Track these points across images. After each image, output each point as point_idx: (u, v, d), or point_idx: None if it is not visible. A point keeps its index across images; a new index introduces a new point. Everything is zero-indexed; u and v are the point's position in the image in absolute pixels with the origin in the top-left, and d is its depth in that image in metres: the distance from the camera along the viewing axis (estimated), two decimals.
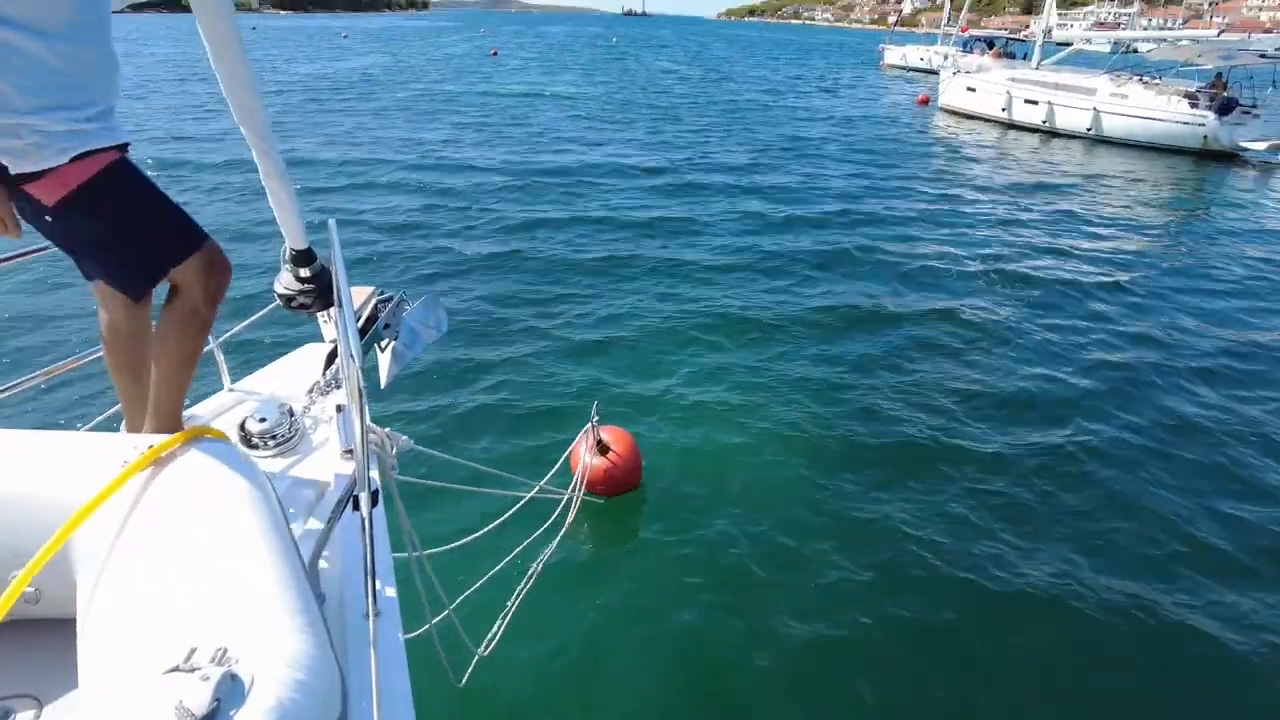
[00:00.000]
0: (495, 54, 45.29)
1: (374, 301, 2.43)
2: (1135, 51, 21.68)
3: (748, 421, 5.32)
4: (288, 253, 2.22)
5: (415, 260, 8.11)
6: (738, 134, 17.80)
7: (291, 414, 2.11)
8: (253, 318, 2.68)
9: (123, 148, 1.72)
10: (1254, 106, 18.94)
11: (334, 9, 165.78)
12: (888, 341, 6.76)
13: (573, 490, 3.84)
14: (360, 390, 1.44)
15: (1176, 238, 11.61)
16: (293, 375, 2.51)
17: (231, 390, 2.41)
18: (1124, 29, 32.92)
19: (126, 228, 1.72)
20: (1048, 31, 24.05)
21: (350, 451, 1.95)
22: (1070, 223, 11.79)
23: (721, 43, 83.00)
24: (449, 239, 8.78)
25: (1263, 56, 19.67)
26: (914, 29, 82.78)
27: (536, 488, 3.40)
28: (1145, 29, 34.55)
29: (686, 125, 18.88)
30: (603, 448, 4.32)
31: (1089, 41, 24.78)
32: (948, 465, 4.89)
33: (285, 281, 2.27)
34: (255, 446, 2.01)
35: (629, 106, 21.93)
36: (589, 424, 4.27)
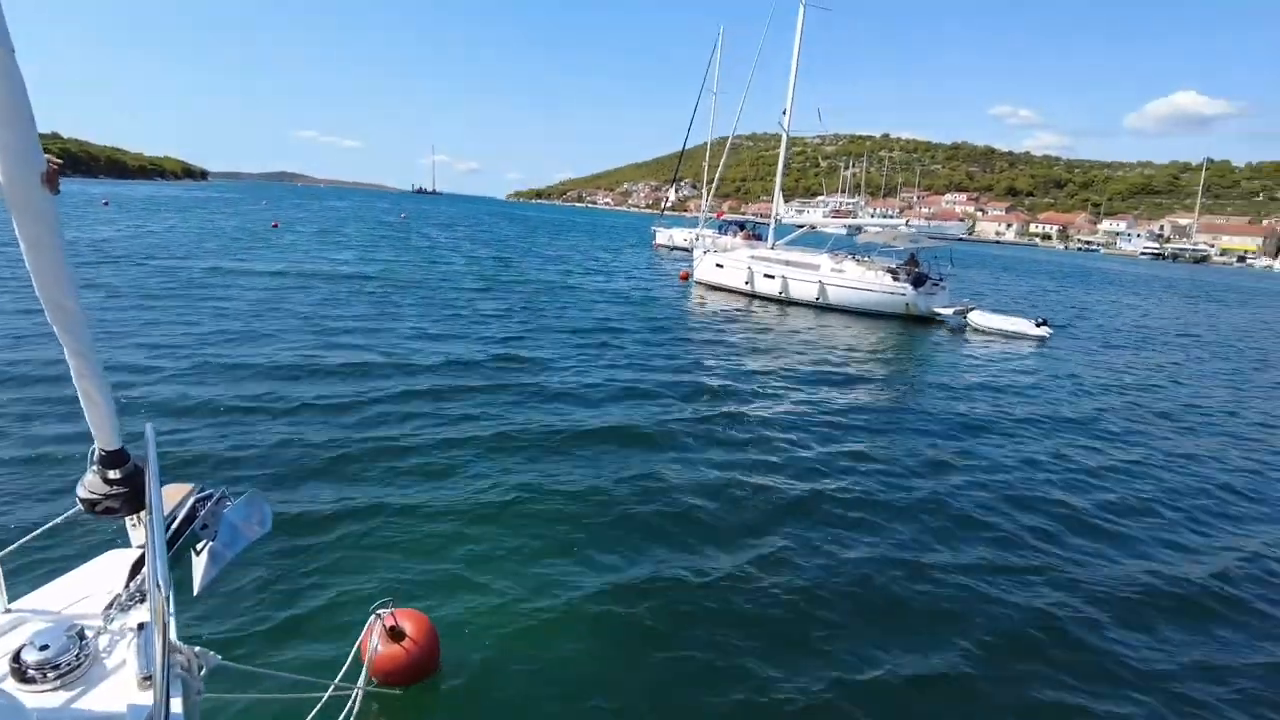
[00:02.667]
0: (276, 225, 44.44)
1: (191, 500, 2.26)
2: (862, 232, 25.49)
3: (549, 596, 5.18)
4: (95, 454, 2.07)
5: (175, 451, 7.21)
6: (517, 313, 18.11)
7: (82, 636, 1.84)
8: (44, 526, 2.37)
9: None
10: (940, 280, 22.87)
11: (95, 174, 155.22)
12: (668, 507, 6.88)
13: (357, 684, 3.48)
14: (166, 608, 1.31)
15: (897, 386, 13.43)
16: (90, 588, 2.21)
17: (9, 611, 2.09)
18: (854, 216, 38.96)
19: None
20: (779, 218, 27.75)
21: (150, 678, 1.71)
22: (808, 378, 13.19)
23: (510, 222, 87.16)
24: (214, 428, 8.01)
25: (945, 240, 24.02)
26: (684, 213, 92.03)
27: (331, 688, 3.12)
28: (871, 216, 41.13)
29: (469, 304, 19.01)
30: (396, 634, 4.02)
31: (814, 227, 28.80)
32: (730, 631, 4.95)
33: (90, 484, 2.08)
34: (32, 680, 1.72)
35: (412, 286, 21.79)
36: (377, 610, 4.01)
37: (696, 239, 31.68)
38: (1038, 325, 20.85)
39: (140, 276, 19.29)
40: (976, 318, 21.65)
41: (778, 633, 4.99)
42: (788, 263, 24.21)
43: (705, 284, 27.57)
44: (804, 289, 23.55)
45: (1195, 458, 9.97)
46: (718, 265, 26.72)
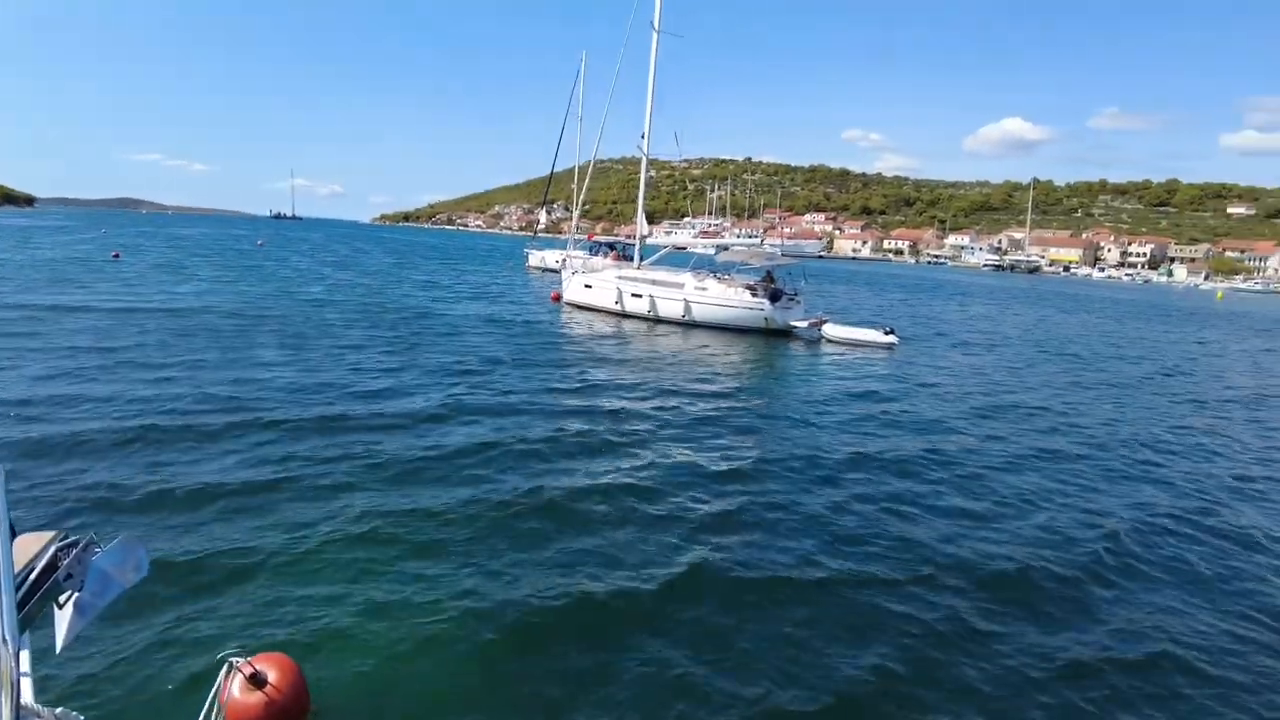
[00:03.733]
0: (117, 256, 41.25)
1: (54, 549, 2.09)
2: (726, 251, 26.54)
3: (422, 631, 5.11)
4: None
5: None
6: (385, 346, 17.11)
7: None
8: None
9: None
10: (795, 295, 24.24)
11: None
12: (550, 530, 6.93)
13: None
14: (15, 668, 1.21)
15: (761, 392, 14.40)
16: None
17: None
18: (721, 236, 40.56)
19: None
20: (644, 238, 28.55)
21: None
22: (678, 390, 13.79)
23: (378, 246, 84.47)
24: (41, 494, 7.24)
25: (803, 258, 25.52)
26: (559, 235, 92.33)
27: None
28: (737, 237, 42.97)
29: (333, 338, 17.76)
30: (257, 681, 3.79)
31: (680, 247, 29.82)
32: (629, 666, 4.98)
33: None
34: None
35: (270, 320, 20.10)
36: (229, 658, 3.79)
37: (564, 261, 31.97)
38: (885, 334, 22.49)
39: None
40: (830, 330, 23.06)
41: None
42: (654, 282, 24.99)
43: (575, 304, 27.96)
44: (670, 307, 24.35)
45: (1035, 452, 11.19)
46: (586, 286, 27.18)
